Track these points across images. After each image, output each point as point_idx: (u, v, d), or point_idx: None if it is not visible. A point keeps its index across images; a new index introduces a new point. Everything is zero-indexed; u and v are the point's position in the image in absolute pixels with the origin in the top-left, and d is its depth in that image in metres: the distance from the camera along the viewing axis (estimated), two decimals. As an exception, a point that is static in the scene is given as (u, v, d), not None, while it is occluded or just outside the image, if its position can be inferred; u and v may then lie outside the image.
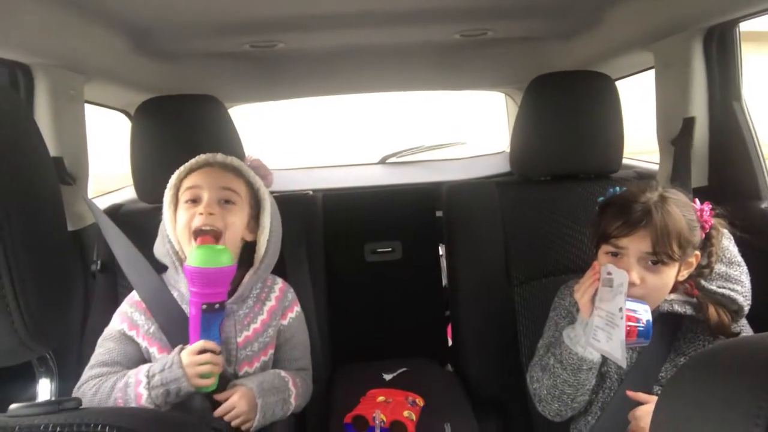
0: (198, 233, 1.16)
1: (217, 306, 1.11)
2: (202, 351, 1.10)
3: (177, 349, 1.12)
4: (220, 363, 1.12)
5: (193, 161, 1.24)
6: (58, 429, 0.51)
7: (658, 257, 1.08)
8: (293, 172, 2.80)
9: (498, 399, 1.54)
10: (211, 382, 1.10)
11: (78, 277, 1.47)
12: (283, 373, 1.25)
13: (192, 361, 1.09)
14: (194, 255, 1.11)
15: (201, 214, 1.16)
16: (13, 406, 0.56)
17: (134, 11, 1.40)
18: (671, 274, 1.11)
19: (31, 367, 0.65)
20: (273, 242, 1.27)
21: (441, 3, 1.48)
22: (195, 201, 1.19)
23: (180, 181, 1.23)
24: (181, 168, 1.24)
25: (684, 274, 1.14)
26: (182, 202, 1.21)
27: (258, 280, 1.27)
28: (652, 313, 1.09)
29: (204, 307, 1.10)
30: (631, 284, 1.07)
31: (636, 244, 1.09)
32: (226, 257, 1.12)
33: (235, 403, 1.13)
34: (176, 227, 1.20)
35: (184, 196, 1.21)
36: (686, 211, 1.11)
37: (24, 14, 1.17)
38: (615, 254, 1.13)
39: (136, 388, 1.09)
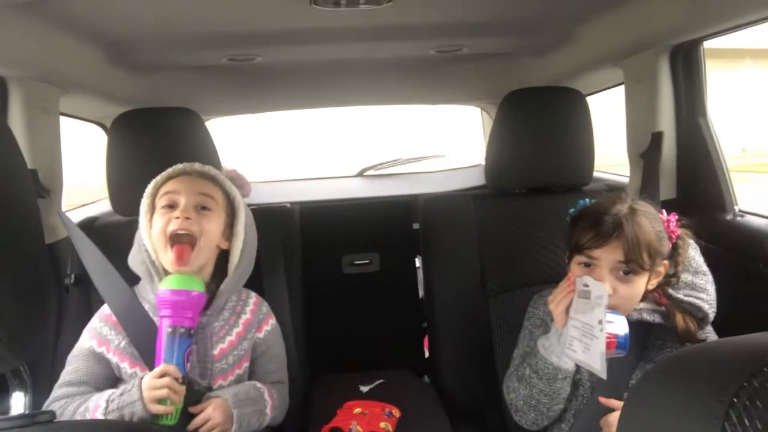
0: (174, 238, 1.16)
1: (182, 330, 1.10)
2: (163, 375, 1.07)
3: (140, 376, 1.11)
4: (180, 392, 1.08)
5: (170, 170, 1.25)
6: (31, 442, 0.50)
7: (629, 267, 1.11)
8: (271, 184, 2.80)
9: (475, 409, 1.55)
10: (167, 411, 1.06)
11: (53, 290, 1.45)
12: (258, 384, 1.24)
13: (150, 384, 1.06)
14: (165, 281, 1.13)
15: (177, 218, 1.16)
16: None
17: (110, 24, 1.40)
18: (642, 283, 1.14)
19: (4, 381, 0.65)
20: (248, 252, 1.27)
21: (416, 20, 1.51)
22: (171, 206, 1.19)
23: (157, 189, 1.24)
24: (159, 176, 1.24)
25: (653, 283, 1.17)
26: (159, 207, 1.21)
27: (233, 289, 1.27)
28: None
29: (169, 330, 1.09)
30: None
31: (608, 255, 1.12)
32: (197, 284, 1.14)
33: (210, 415, 1.12)
34: (152, 233, 1.20)
35: (160, 201, 1.21)
36: (655, 223, 1.14)
37: None
38: (588, 265, 1.16)
39: (94, 413, 1.07)
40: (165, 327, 1.10)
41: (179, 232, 1.16)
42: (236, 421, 1.14)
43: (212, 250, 1.23)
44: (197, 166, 1.27)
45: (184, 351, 1.10)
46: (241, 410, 1.15)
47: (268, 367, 1.31)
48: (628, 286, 1.12)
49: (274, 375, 1.32)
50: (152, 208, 1.23)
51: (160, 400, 1.06)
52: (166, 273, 1.20)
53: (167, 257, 1.17)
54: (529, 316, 1.36)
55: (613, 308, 1.11)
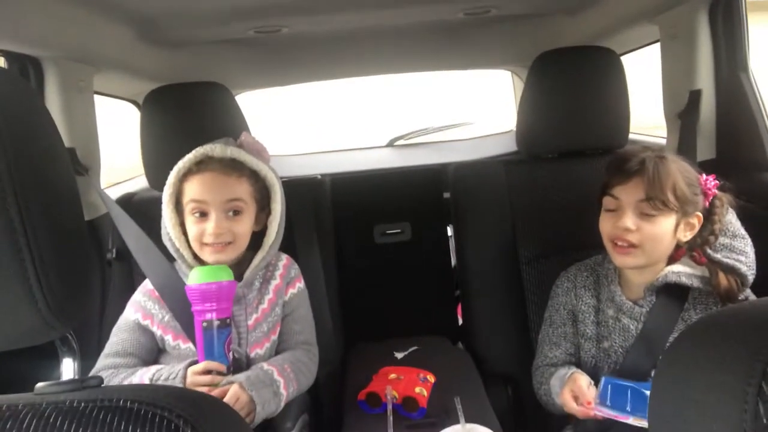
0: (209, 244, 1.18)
1: (217, 323, 1.10)
2: (207, 371, 1.09)
3: (186, 363, 1.12)
4: (225, 381, 1.09)
5: (191, 156, 1.20)
6: (81, 405, 0.53)
7: (652, 204, 1.12)
8: (301, 157, 2.81)
9: (509, 375, 1.56)
10: None
11: (95, 263, 1.50)
12: (266, 366, 1.20)
13: (193, 381, 1.09)
14: (193, 275, 1.12)
15: (210, 234, 1.16)
16: (39, 384, 0.59)
17: (139, 2, 1.41)
18: (667, 224, 1.14)
19: (55, 349, 0.68)
20: (280, 224, 1.27)
21: None
22: (202, 214, 1.18)
23: (180, 179, 1.20)
24: (179, 165, 1.20)
25: (687, 235, 1.17)
26: (188, 212, 1.19)
27: (266, 263, 1.29)
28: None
29: (204, 324, 1.10)
30: (627, 230, 1.13)
31: (630, 194, 1.15)
32: (225, 273, 1.12)
33: (237, 394, 1.09)
34: (188, 236, 1.21)
35: (189, 206, 1.19)
36: (686, 172, 1.15)
37: (32, 8, 1.19)
38: (614, 210, 1.18)
39: None
40: (200, 322, 1.10)
41: (214, 242, 1.17)
42: (258, 403, 1.11)
43: (247, 242, 1.24)
44: (218, 150, 1.20)
45: (223, 343, 1.11)
46: (258, 392, 1.12)
47: (293, 327, 1.31)
48: (652, 225, 1.14)
49: (300, 336, 1.32)
50: (174, 199, 1.21)
51: None
52: (196, 259, 1.22)
53: (205, 254, 1.19)
54: (552, 296, 1.38)
55: (637, 245, 1.13)
